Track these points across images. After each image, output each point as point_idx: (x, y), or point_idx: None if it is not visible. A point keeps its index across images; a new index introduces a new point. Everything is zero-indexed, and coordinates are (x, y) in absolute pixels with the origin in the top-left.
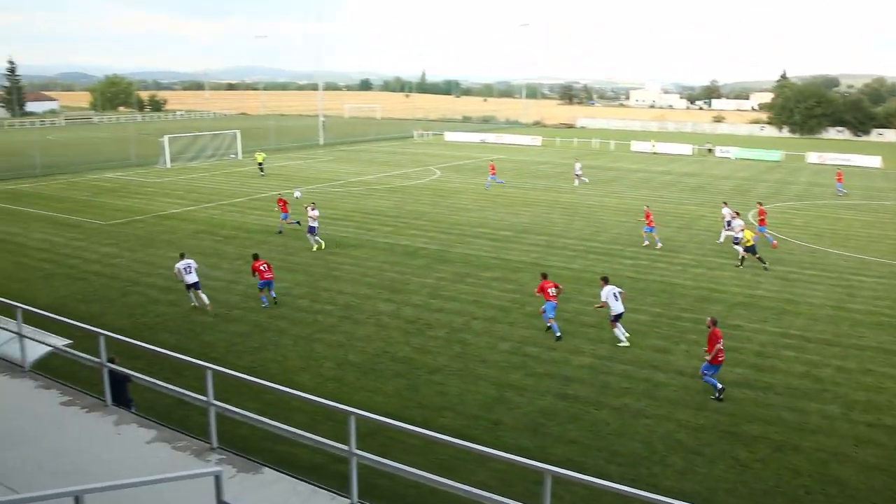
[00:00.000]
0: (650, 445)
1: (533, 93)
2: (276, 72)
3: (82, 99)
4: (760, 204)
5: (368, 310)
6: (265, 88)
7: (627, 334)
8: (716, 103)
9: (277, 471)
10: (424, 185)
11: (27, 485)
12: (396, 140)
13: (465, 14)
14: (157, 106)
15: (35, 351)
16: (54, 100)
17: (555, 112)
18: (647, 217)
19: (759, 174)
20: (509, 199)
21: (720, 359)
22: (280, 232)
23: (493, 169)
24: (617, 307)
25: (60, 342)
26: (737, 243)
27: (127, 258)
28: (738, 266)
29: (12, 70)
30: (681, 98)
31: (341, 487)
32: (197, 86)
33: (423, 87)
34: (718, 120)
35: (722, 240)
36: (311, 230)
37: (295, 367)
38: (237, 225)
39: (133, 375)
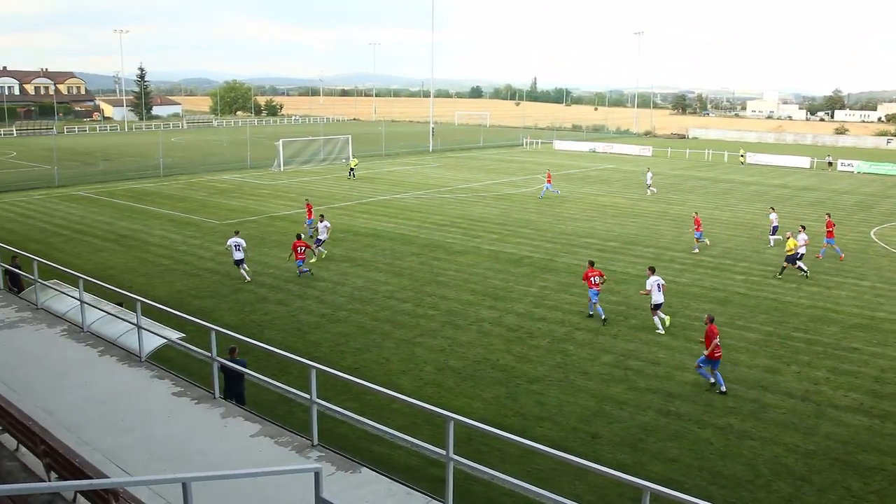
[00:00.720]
0: (755, 469)
1: (645, 102)
2: (389, 79)
3: (203, 103)
4: (829, 216)
5: (471, 316)
6: (377, 95)
7: (665, 322)
8: (838, 114)
9: (374, 471)
10: (532, 193)
11: (139, 468)
12: (505, 148)
13: (579, 22)
14: (273, 111)
15: (151, 342)
16: (178, 104)
17: (667, 122)
18: (697, 223)
19: (885, 189)
20: (618, 209)
21: (717, 354)
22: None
23: (549, 177)
24: (658, 297)
25: (175, 335)
26: (800, 258)
27: None
28: (778, 276)
29: (142, 76)
30: (800, 109)
31: (436, 491)
32: (312, 92)
33: (534, 95)
34: (841, 132)
35: (772, 244)
36: (318, 242)
37: (396, 369)
38: (346, 228)
39: (242, 371)
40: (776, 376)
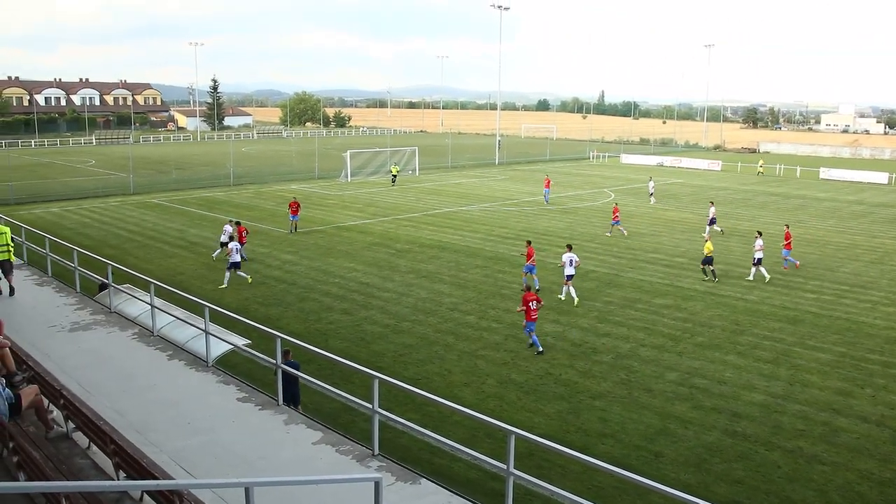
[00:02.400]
0: (826, 495)
1: (715, 116)
2: (456, 91)
3: (273, 114)
4: (787, 227)
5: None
6: (444, 107)
7: (573, 297)
8: None
9: (434, 482)
10: (598, 207)
11: (204, 471)
12: (571, 161)
13: (647, 34)
14: (341, 122)
15: (218, 348)
16: (249, 115)
17: (737, 136)
18: (615, 213)
19: None
20: (686, 224)
21: (533, 317)
22: (290, 233)
23: (547, 183)
24: (568, 271)
25: (241, 341)
26: (757, 262)
27: (305, 266)
28: (707, 279)
29: (215, 88)
30: (878, 122)
31: None
32: (380, 103)
33: (601, 109)
34: None
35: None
36: (235, 265)
37: (458, 381)
38: (411, 239)
39: (304, 378)
40: (849, 399)
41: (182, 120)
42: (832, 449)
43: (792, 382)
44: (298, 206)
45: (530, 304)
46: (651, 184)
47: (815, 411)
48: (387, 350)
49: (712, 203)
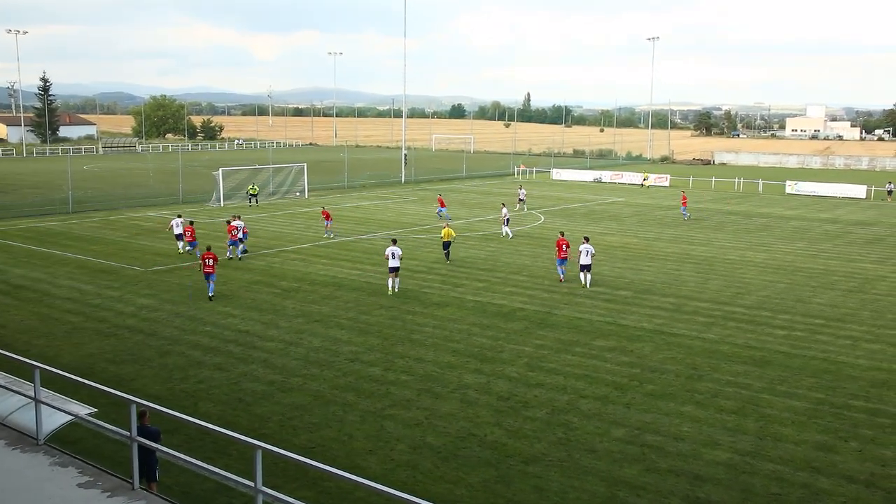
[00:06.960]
0: None
1: (661, 122)
2: (352, 95)
3: (125, 123)
4: (561, 234)
5: (453, 382)
6: (338, 115)
7: (395, 288)
8: None
9: None
10: (525, 232)
11: None
12: (493, 178)
13: (580, 28)
14: (211, 133)
15: (53, 420)
16: (92, 124)
17: (688, 144)
18: (326, 215)
19: None
20: (629, 251)
21: (207, 271)
22: (329, 237)
23: (441, 202)
24: (393, 263)
25: (83, 410)
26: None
27: (167, 312)
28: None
29: (45, 89)
30: (853, 126)
31: None
32: (259, 110)
33: (527, 115)
34: None
35: (511, 236)
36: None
37: (361, 448)
38: (300, 276)
39: (168, 453)
40: (831, 455)
41: (2, 130)
42: None
43: (762, 437)
44: (329, 214)
45: (206, 260)
46: (522, 191)
47: (791, 471)
48: (272, 413)
49: (504, 204)
